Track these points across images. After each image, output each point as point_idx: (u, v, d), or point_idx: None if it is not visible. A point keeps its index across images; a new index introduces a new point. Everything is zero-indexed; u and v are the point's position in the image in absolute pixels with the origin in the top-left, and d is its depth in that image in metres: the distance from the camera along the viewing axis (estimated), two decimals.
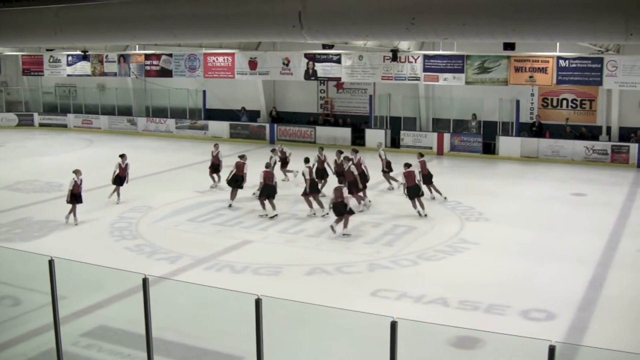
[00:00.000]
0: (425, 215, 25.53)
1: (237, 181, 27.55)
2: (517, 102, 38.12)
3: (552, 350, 8.72)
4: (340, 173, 27.46)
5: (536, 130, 38.43)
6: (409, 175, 25.40)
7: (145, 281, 10.91)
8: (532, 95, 39.32)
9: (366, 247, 22.15)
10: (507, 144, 38.13)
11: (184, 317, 15.76)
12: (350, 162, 27.02)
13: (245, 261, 20.68)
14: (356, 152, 28.58)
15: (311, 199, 26.09)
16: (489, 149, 38.78)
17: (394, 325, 9.27)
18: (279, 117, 46.32)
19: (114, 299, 17.19)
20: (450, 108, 40.33)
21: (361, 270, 20.00)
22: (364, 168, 27.63)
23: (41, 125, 53.22)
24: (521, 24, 14.38)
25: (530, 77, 36.60)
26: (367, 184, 27.65)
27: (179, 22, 18.58)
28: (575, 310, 16.89)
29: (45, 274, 11.79)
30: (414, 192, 25.46)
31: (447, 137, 39.61)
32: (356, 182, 26.36)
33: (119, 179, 27.62)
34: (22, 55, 54.30)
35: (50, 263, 11.66)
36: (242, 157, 28.35)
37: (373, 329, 10.98)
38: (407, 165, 25.75)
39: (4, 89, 56.23)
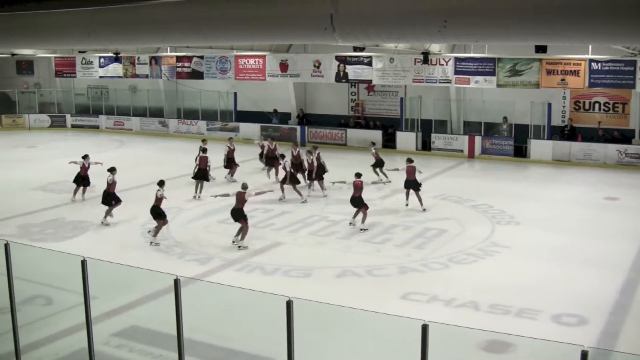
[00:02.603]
0: (424, 210, 26.35)
1: (202, 175, 29.51)
2: (549, 105, 37.89)
3: (584, 355, 8.64)
4: (297, 165, 30.71)
5: (568, 133, 38.17)
6: (409, 170, 26.87)
7: (176, 282, 10.95)
8: (564, 98, 39.04)
9: (397, 249, 22.11)
10: (538, 147, 37.90)
11: (215, 318, 15.80)
12: (311, 156, 29.98)
13: (275, 263, 20.73)
14: (315, 148, 30.97)
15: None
16: (520, 152, 38.54)
17: (425, 329, 9.24)
18: (307, 119, 46.31)
19: (145, 300, 17.29)
20: (482, 111, 40.14)
21: (392, 273, 19.97)
22: (322, 162, 30.01)
23: (73, 126, 53.63)
24: (553, 26, 14.30)
25: (562, 80, 36.39)
26: (325, 177, 29.81)
27: (210, 24, 18.63)
28: (607, 315, 16.78)
29: (76, 274, 11.85)
30: (410, 185, 26.84)
31: (478, 140, 39.44)
32: (311, 172, 29.82)
33: (81, 178, 28.53)
34: (55, 57, 54.76)
35: (83, 263, 11.72)
36: (204, 150, 30.52)
37: (403, 332, 10.96)
38: (409, 161, 27.36)
39: (37, 91, 56.67)
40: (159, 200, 23.07)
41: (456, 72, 39.08)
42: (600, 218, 25.89)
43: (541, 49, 29.97)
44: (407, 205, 26.88)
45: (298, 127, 45.18)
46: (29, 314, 15.69)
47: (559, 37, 15.46)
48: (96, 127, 52.93)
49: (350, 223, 24.53)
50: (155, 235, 22.85)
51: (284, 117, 47.09)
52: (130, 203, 27.19)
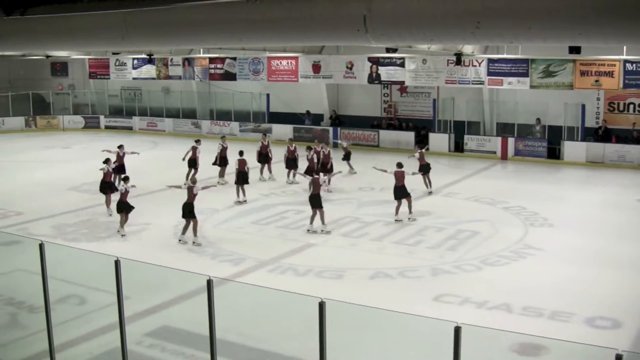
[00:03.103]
0: (413, 220, 25.60)
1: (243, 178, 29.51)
2: (583, 106, 37.60)
3: (619, 359, 8.58)
4: (292, 160, 32.28)
5: (602, 134, 37.87)
6: (397, 176, 25.71)
7: (209, 282, 10.98)
8: (598, 99, 38.73)
9: (429, 251, 22.05)
10: (572, 148, 37.62)
11: (247, 319, 15.84)
12: (312, 151, 31.46)
13: (308, 264, 20.75)
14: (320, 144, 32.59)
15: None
16: (553, 153, 38.31)
17: (457, 331, 9.21)
18: (339, 121, 46.28)
19: (178, 300, 17.36)
20: (515, 112, 39.93)
21: (424, 274, 19.92)
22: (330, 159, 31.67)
23: (107, 127, 54.05)
24: (589, 27, 14.21)
25: (596, 81, 36.12)
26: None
27: (244, 26, 18.69)
28: None
29: (110, 273, 11.92)
30: (399, 193, 25.72)
31: (511, 141, 39.24)
32: (325, 165, 30.95)
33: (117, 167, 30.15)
34: (89, 59, 55.21)
35: (117, 263, 11.79)
36: (241, 153, 30.38)
37: (436, 334, 10.93)
38: (399, 165, 26.00)
39: (71, 92, 57.19)
40: (123, 195, 24.17)
41: (489, 74, 38.93)
42: (635, 220, 25.66)
43: (575, 49, 29.79)
44: (396, 221, 25.43)
45: (331, 129, 45.16)
46: (63, 313, 15.81)
47: (595, 38, 15.35)
48: (129, 128, 53.31)
49: (308, 230, 24.39)
50: (122, 226, 23.96)
51: (317, 119, 47.11)
52: (163, 204, 27.38)
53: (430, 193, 29.34)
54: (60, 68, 59.29)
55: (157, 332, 15.85)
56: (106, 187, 26.90)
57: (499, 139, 39.72)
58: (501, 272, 20.10)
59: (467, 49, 38.23)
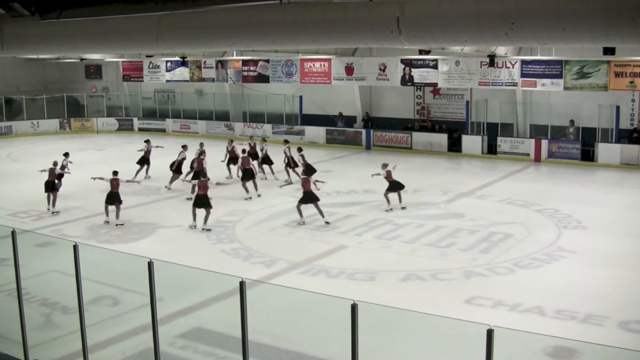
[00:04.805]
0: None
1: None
2: (617, 108, 37.25)
3: None
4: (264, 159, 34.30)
5: (637, 136, 37.53)
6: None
7: (242, 284, 10.98)
8: (633, 100, 38.38)
9: (462, 254, 21.96)
10: (606, 150, 37.32)
11: (279, 320, 15.85)
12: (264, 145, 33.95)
13: (340, 266, 20.72)
14: (287, 142, 34.33)
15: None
16: (587, 155, 38.00)
17: (490, 334, 9.16)
18: (372, 123, 46.23)
19: (210, 302, 17.42)
20: (548, 114, 39.67)
21: (457, 277, 19.85)
22: (291, 156, 32.82)
23: (140, 129, 54.38)
24: (623, 27, 14.11)
25: (631, 82, 35.77)
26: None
27: (277, 28, 18.73)
28: None
29: (142, 275, 11.96)
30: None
31: (544, 143, 38.99)
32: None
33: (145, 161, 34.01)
34: (123, 62, 55.57)
35: (150, 265, 11.83)
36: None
37: (468, 336, 10.88)
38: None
39: (105, 95, 57.62)
40: (53, 175, 27.09)
41: (522, 75, 38.71)
42: None
43: (609, 50, 29.54)
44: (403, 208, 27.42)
45: (363, 131, 45.14)
46: (96, 314, 15.89)
47: (629, 39, 15.25)
48: (163, 131, 53.60)
49: (203, 229, 24.85)
50: (53, 205, 27.35)
51: (349, 121, 47.08)
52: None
53: (403, 208, 27.46)
54: (94, 71, 59.81)
55: (190, 333, 15.91)
56: (50, 185, 27.92)
57: (533, 140, 39.49)
58: (534, 275, 19.99)
59: (501, 50, 38.04)
